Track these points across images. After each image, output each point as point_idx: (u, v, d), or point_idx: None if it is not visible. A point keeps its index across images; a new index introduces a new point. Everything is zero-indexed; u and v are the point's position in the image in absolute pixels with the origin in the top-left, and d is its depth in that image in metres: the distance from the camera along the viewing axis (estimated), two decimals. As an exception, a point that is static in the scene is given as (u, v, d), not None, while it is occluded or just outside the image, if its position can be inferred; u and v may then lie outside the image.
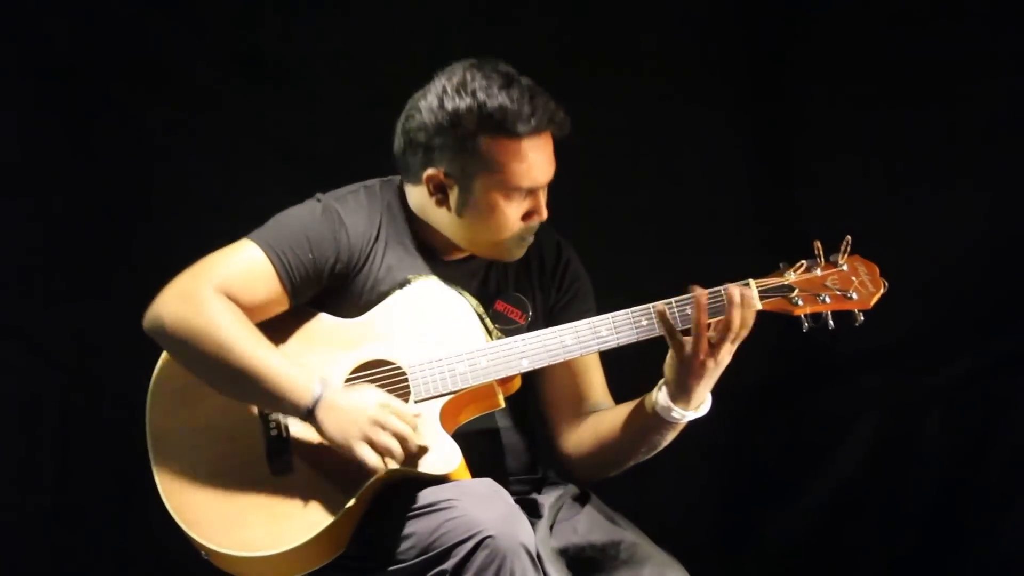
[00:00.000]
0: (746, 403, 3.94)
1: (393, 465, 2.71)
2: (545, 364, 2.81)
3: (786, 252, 3.78)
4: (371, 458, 2.69)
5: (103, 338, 3.86)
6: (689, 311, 2.71)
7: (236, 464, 2.77)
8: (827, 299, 2.78)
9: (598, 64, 3.95)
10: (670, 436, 2.82)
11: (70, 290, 3.91)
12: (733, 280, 2.76)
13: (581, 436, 2.93)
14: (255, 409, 2.80)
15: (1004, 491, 3.94)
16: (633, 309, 2.78)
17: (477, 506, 2.63)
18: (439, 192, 2.87)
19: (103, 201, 3.90)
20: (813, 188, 3.98)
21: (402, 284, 2.88)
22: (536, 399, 2.99)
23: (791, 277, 2.79)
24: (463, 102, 2.79)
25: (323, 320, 2.86)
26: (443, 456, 2.74)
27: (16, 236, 3.88)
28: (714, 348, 2.68)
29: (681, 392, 2.73)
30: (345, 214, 2.88)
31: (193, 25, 3.92)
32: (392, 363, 2.81)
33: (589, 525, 2.89)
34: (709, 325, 2.68)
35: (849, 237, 2.78)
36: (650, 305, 2.76)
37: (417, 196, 2.92)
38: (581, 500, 2.97)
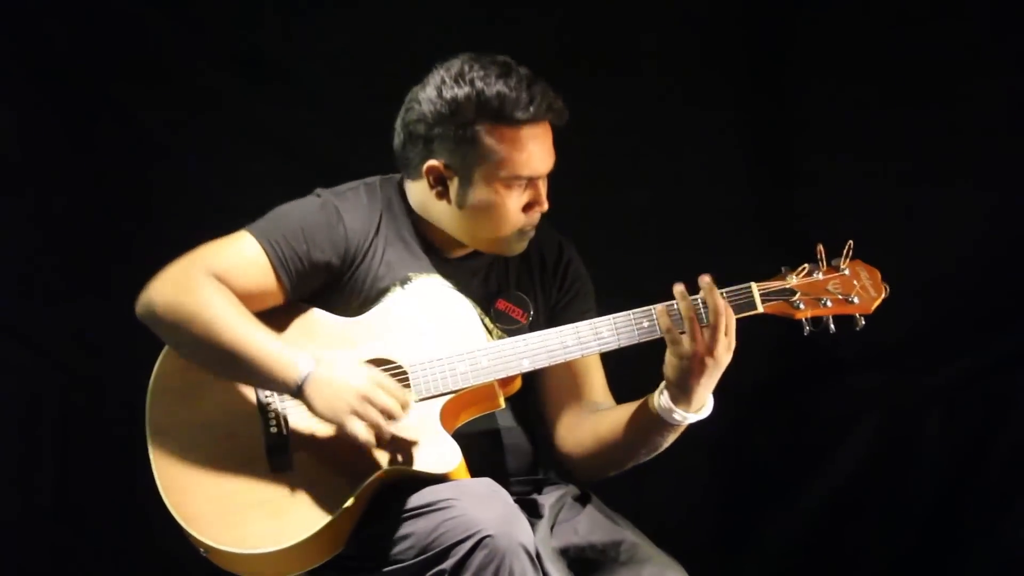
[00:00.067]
0: (746, 403, 3.94)
1: (387, 464, 2.72)
2: (546, 364, 2.81)
3: (786, 252, 3.78)
4: (361, 432, 2.69)
5: (103, 338, 3.86)
6: (692, 311, 2.71)
7: (235, 461, 2.77)
8: (828, 303, 2.78)
9: (598, 64, 3.95)
10: (671, 438, 2.82)
11: (70, 290, 3.91)
12: (734, 280, 2.77)
13: (581, 436, 2.93)
14: (255, 406, 2.80)
15: (1004, 491, 3.95)
16: (634, 311, 2.78)
17: (476, 506, 2.64)
18: (439, 184, 2.87)
19: (103, 201, 3.90)
20: (813, 188, 3.98)
21: (403, 281, 2.89)
22: (537, 399, 2.99)
23: (793, 281, 2.79)
24: (461, 91, 2.79)
25: (324, 318, 2.86)
26: (442, 455, 2.74)
27: (16, 236, 3.88)
28: (711, 344, 2.68)
29: (682, 393, 2.72)
30: (343, 209, 2.89)
31: (193, 25, 3.93)
32: (393, 362, 2.81)
33: (590, 526, 2.89)
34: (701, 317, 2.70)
35: (851, 242, 2.78)
36: (651, 307, 2.76)
37: (417, 192, 2.92)
38: (582, 501, 2.97)
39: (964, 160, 3.89)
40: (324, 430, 2.78)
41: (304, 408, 2.76)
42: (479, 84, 2.79)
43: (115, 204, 3.89)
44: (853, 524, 4.04)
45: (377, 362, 2.81)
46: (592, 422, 2.92)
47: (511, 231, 2.88)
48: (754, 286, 2.77)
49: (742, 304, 2.75)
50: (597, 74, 3.94)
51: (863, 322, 2.79)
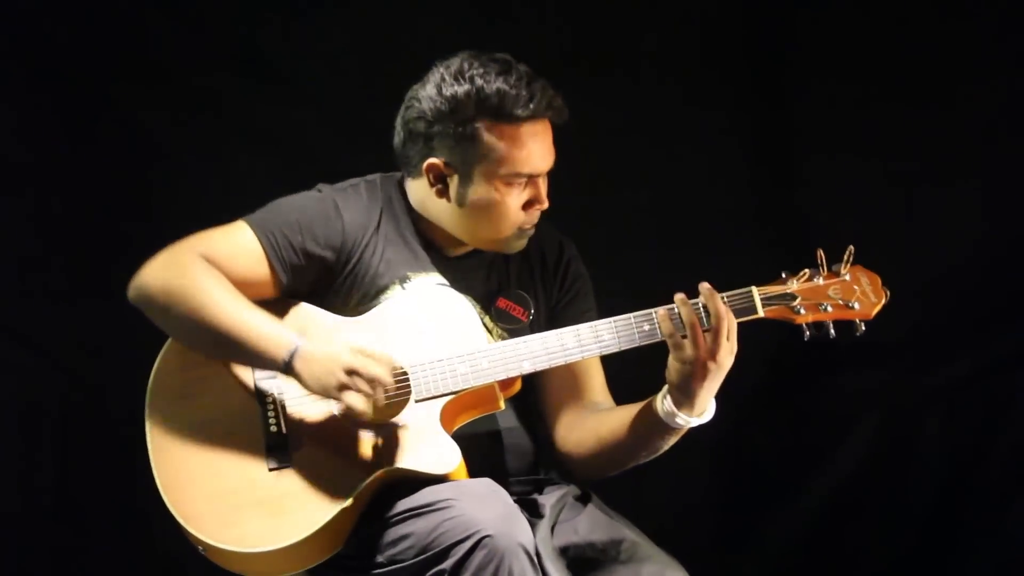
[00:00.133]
0: (746, 403, 3.94)
1: (387, 465, 2.73)
2: (546, 366, 2.81)
3: (786, 252, 3.79)
4: (356, 404, 2.70)
5: (103, 338, 3.86)
6: (694, 315, 2.72)
7: (235, 460, 2.77)
8: (829, 308, 2.79)
9: (598, 64, 3.95)
10: (671, 441, 2.82)
11: (70, 290, 3.91)
12: (734, 280, 2.77)
13: (582, 436, 2.93)
14: (255, 405, 2.80)
15: (1004, 491, 3.94)
16: (635, 314, 2.78)
17: (475, 506, 2.64)
18: (439, 182, 2.88)
19: (103, 201, 3.90)
20: (813, 188, 3.98)
21: (402, 280, 2.89)
22: (537, 399, 2.99)
23: (794, 286, 2.80)
24: (461, 88, 2.80)
25: (324, 317, 2.87)
26: (442, 456, 2.74)
27: (16, 236, 3.88)
28: (713, 348, 2.68)
29: (684, 397, 2.72)
30: (342, 204, 2.89)
31: (193, 25, 3.92)
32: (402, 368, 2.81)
33: (590, 525, 2.89)
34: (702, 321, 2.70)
35: (852, 247, 2.78)
36: (652, 310, 2.77)
37: (417, 190, 2.92)
38: (582, 500, 2.98)
39: (964, 160, 3.89)
40: (324, 429, 2.79)
41: (302, 405, 2.78)
42: (479, 81, 2.79)
43: (115, 204, 3.89)
44: (853, 524, 4.04)
45: (378, 362, 2.81)
46: (593, 423, 2.92)
47: (511, 229, 2.88)
48: (755, 290, 2.78)
49: (743, 308, 2.75)
50: (597, 74, 3.94)
51: (863, 327, 2.79)
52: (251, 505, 2.73)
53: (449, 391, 2.78)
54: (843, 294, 2.80)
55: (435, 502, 2.67)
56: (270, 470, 2.76)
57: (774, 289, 2.79)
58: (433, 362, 2.79)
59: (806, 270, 2.80)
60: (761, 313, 2.77)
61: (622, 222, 3.98)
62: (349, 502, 2.71)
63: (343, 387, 2.70)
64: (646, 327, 2.77)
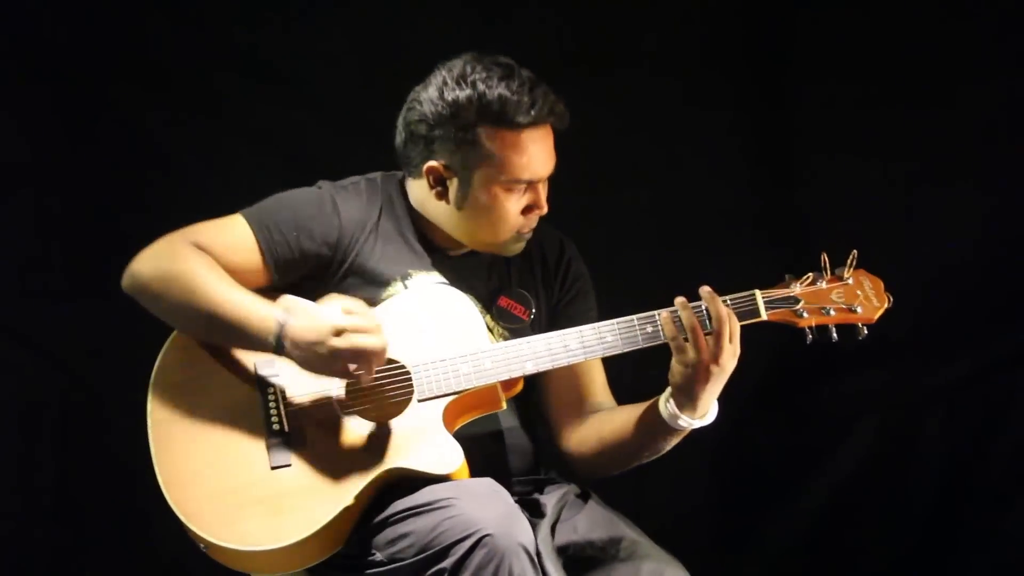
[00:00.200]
0: (746, 403, 3.94)
1: (389, 464, 2.73)
2: (549, 367, 2.81)
3: (786, 252, 3.79)
4: (353, 378, 2.71)
5: (103, 338, 3.86)
6: (696, 318, 2.72)
7: (237, 458, 2.77)
8: (832, 312, 2.79)
9: (598, 64, 3.95)
10: (674, 442, 2.83)
11: (70, 290, 3.91)
12: (735, 280, 2.77)
13: (584, 436, 2.93)
14: (257, 403, 2.80)
15: (1004, 491, 3.94)
16: (638, 316, 2.78)
17: (476, 505, 2.64)
18: (439, 185, 2.88)
19: (103, 201, 3.90)
20: (813, 188, 3.98)
21: (404, 277, 2.89)
22: (539, 399, 3.00)
23: (797, 289, 2.80)
24: (463, 93, 2.80)
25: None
26: (444, 456, 2.74)
27: (16, 236, 3.88)
28: (715, 352, 2.69)
29: (687, 400, 2.73)
30: (341, 201, 2.90)
31: (193, 25, 3.92)
32: (396, 361, 2.81)
33: (589, 524, 2.89)
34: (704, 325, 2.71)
35: (855, 251, 2.78)
36: (655, 312, 2.77)
37: (418, 190, 2.93)
38: (582, 499, 2.98)
39: (964, 160, 3.89)
40: (326, 428, 2.79)
41: (304, 404, 2.79)
42: (481, 86, 2.79)
43: (115, 204, 3.89)
44: (853, 524, 4.04)
45: (380, 362, 2.82)
46: (596, 423, 2.93)
47: (509, 233, 2.88)
48: (758, 294, 2.78)
49: (746, 312, 2.76)
50: (597, 74, 3.94)
51: (866, 331, 2.80)
52: (253, 503, 2.73)
53: (452, 391, 2.78)
54: (846, 298, 2.80)
55: (435, 501, 2.67)
56: (272, 468, 2.76)
57: (777, 292, 2.79)
58: (436, 362, 2.80)
59: (809, 273, 2.81)
60: (764, 316, 2.77)
61: (622, 222, 3.98)
62: (351, 501, 2.71)
63: (334, 371, 2.70)
64: (649, 329, 2.77)
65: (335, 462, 2.75)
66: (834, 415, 4.02)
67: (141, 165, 3.92)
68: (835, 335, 2.79)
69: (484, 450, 2.85)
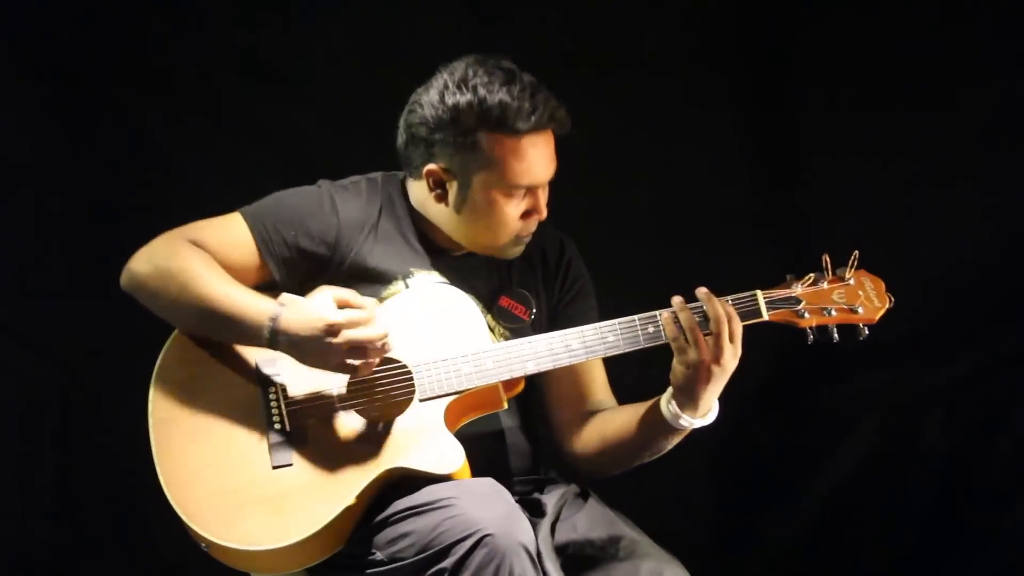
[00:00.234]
0: (746, 403, 3.94)
1: (391, 464, 2.73)
2: (550, 367, 2.82)
3: (786, 252, 3.79)
4: (352, 372, 2.72)
5: (103, 338, 3.86)
6: (697, 317, 2.73)
7: (238, 457, 2.77)
8: (833, 313, 2.80)
9: (599, 64, 3.95)
10: (675, 441, 2.84)
11: (70, 290, 3.91)
12: (736, 281, 2.77)
13: (586, 436, 2.94)
14: (259, 402, 2.80)
15: (1004, 491, 3.94)
16: (640, 316, 2.79)
17: (476, 505, 2.64)
18: (438, 188, 2.88)
19: (103, 200, 3.90)
20: (813, 188, 3.98)
21: (406, 276, 2.89)
22: (540, 399, 3.00)
23: (798, 290, 2.81)
24: (464, 97, 2.79)
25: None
26: (446, 456, 2.74)
27: (16, 235, 3.88)
28: (716, 352, 2.69)
29: (688, 399, 2.74)
30: (340, 200, 2.90)
31: (193, 25, 3.92)
32: (397, 361, 2.81)
33: (589, 523, 2.90)
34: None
35: (857, 252, 2.78)
36: (656, 312, 2.77)
37: (418, 191, 2.93)
38: (582, 499, 2.98)
39: (964, 160, 3.89)
40: (327, 428, 2.79)
41: (305, 404, 2.79)
42: (481, 91, 2.79)
43: (115, 204, 3.89)
44: (853, 524, 4.04)
45: (381, 361, 2.81)
46: (597, 423, 2.93)
47: (508, 237, 2.89)
48: (760, 294, 2.79)
49: (748, 312, 2.76)
50: (597, 74, 3.94)
51: (867, 332, 2.80)
52: (254, 503, 2.73)
53: (453, 391, 2.79)
54: (847, 299, 2.80)
55: (436, 500, 2.67)
56: (273, 468, 2.76)
57: (778, 293, 2.80)
58: (437, 361, 2.80)
59: (811, 274, 2.81)
60: (766, 317, 2.78)
61: (622, 222, 3.98)
62: (352, 501, 2.71)
63: (330, 347, 2.70)
64: (650, 329, 2.77)
65: (336, 461, 2.75)
66: (834, 415, 4.02)
67: (141, 165, 3.92)
68: (836, 336, 2.79)
69: (485, 450, 2.85)
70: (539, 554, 2.70)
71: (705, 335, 2.71)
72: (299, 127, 3.96)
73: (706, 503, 4.11)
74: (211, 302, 2.76)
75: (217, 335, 2.83)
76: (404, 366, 2.80)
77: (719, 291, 2.75)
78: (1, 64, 3.84)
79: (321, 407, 2.81)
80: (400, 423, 2.77)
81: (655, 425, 2.80)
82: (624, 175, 3.98)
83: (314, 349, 2.71)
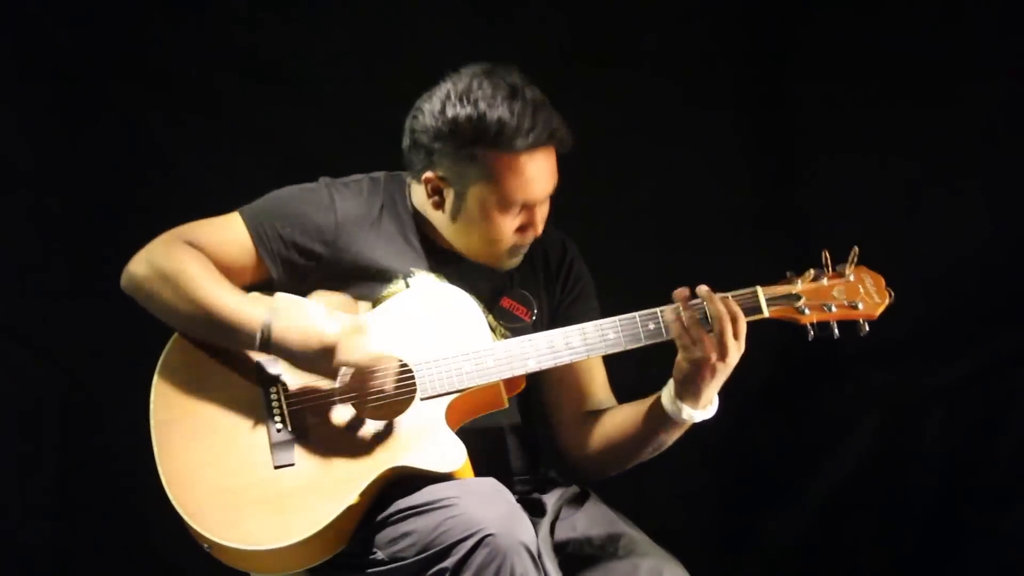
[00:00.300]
0: (747, 403, 3.94)
1: (392, 463, 2.73)
2: (551, 365, 2.82)
3: (786, 252, 3.79)
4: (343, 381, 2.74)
5: (103, 338, 3.86)
6: (698, 314, 2.73)
7: (240, 457, 2.77)
8: (833, 308, 2.80)
9: (599, 64, 3.95)
10: (676, 435, 2.84)
11: (70, 290, 3.91)
12: (736, 280, 2.77)
13: (586, 435, 2.94)
14: (260, 402, 2.81)
15: (1004, 491, 3.94)
16: (640, 313, 2.79)
17: (478, 504, 2.63)
18: (436, 195, 2.89)
19: (103, 200, 3.90)
20: (813, 188, 3.98)
21: (407, 275, 2.89)
22: (540, 398, 3.00)
23: (798, 286, 2.81)
24: (463, 110, 2.79)
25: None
26: (447, 454, 2.74)
27: (16, 236, 3.88)
28: (720, 350, 2.70)
29: (689, 393, 2.75)
30: (339, 198, 2.91)
31: (193, 25, 3.92)
32: (399, 360, 2.81)
33: (588, 522, 2.90)
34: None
35: (856, 248, 2.79)
36: (657, 310, 2.77)
37: (418, 194, 2.94)
38: (582, 499, 2.98)
39: (965, 160, 3.89)
40: (329, 427, 2.79)
41: (306, 403, 2.79)
42: (482, 106, 2.79)
43: (115, 203, 3.89)
44: (853, 524, 4.04)
45: (382, 360, 2.80)
46: (597, 421, 2.93)
47: (501, 249, 2.89)
48: (760, 290, 2.79)
49: (748, 308, 2.77)
50: (597, 74, 3.94)
51: (867, 328, 2.80)
52: (256, 503, 2.73)
53: (454, 389, 2.78)
54: (847, 294, 2.80)
55: (437, 500, 2.67)
56: (275, 467, 2.76)
57: (779, 289, 2.80)
58: (438, 360, 2.80)
59: (811, 270, 2.81)
60: (766, 313, 2.78)
61: (622, 222, 3.98)
62: (354, 500, 2.71)
63: (324, 365, 2.73)
64: (651, 326, 2.78)
65: (338, 461, 2.75)
66: (834, 415, 4.02)
67: (141, 165, 3.92)
68: (836, 332, 2.80)
69: (485, 449, 2.84)
70: (539, 553, 2.69)
71: (707, 332, 2.71)
72: (299, 127, 3.96)
73: (706, 502, 4.11)
74: (204, 308, 2.78)
75: (212, 340, 2.83)
76: (405, 365, 2.80)
77: (721, 290, 2.75)
78: (1, 64, 3.84)
79: (322, 406, 2.81)
80: (402, 422, 2.77)
81: (656, 419, 2.80)
82: (624, 175, 3.98)
83: (306, 362, 2.74)
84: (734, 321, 2.71)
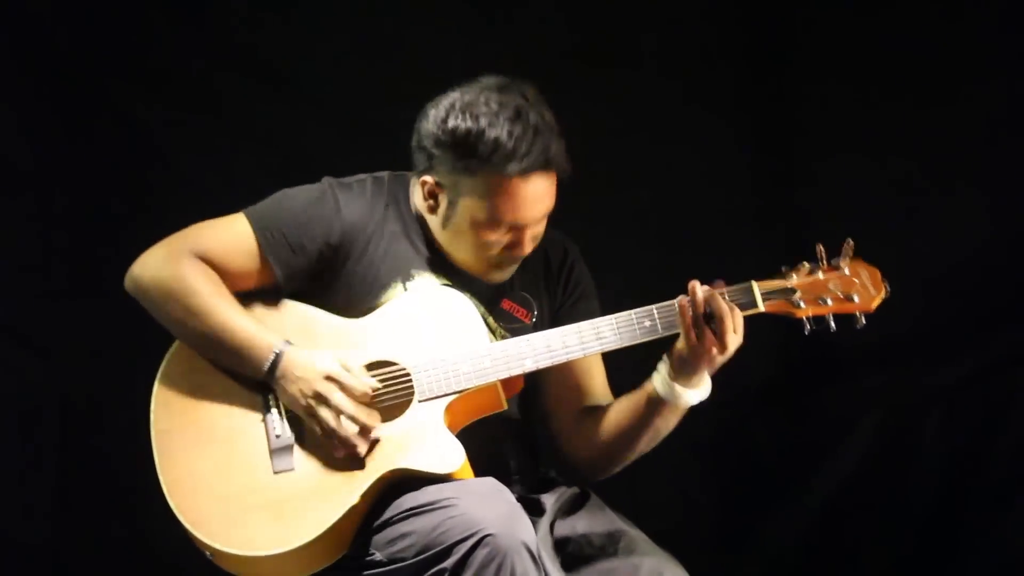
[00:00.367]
0: (747, 402, 3.94)
1: (392, 465, 2.73)
2: (548, 364, 2.82)
3: (786, 251, 3.78)
4: (325, 419, 2.74)
5: (103, 338, 3.86)
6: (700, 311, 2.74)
7: (240, 464, 2.77)
8: (829, 301, 2.80)
9: (599, 64, 3.95)
10: (672, 420, 2.84)
11: (70, 290, 3.91)
12: (734, 279, 2.78)
13: (584, 433, 2.94)
14: (259, 408, 2.81)
15: (1004, 491, 3.94)
16: (636, 310, 2.80)
17: (478, 504, 2.63)
18: (431, 198, 2.89)
19: (103, 200, 3.90)
20: (814, 188, 3.98)
21: (406, 277, 2.89)
22: (539, 398, 3.00)
23: (793, 280, 2.81)
24: (464, 123, 2.79)
25: (327, 320, 2.87)
26: (446, 456, 2.74)
27: (16, 236, 3.88)
28: (721, 343, 2.72)
29: (685, 375, 2.77)
30: (343, 199, 2.90)
31: (193, 25, 3.92)
32: (395, 363, 2.81)
33: (588, 521, 2.90)
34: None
35: (851, 240, 2.79)
36: (652, 307, 2.78)
37: (418, 194, 2.93)
38: (581, 498, 2.98)
39: (965, 160, 3.89)
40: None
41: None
42: (482, 122, 2.78)
43: (115, 203, 3.89)
44: (853, 524, 4.04)
45: (380, 364, 2.81)
46: (594, 418, 2.93)
47: (484, 264, 2.89)
48: (755, 285, 2.79)
49: (743, 303, 2.77)
50: (597, 74, 3.94)
51: (864, 321, 2.80)
52: (257, 509, 2.74)
53: (452, 391, 2.79)
54: (843, 287, 2.80)
55: (437, 500, 2.67)
56: (275, 473, 2.76)
57: (774, 284, 2.81)
58: (436, 361, 2.80)
59: (805, 264, 2.81)
60: (761, 307, 2.78)
61: (622, 222, 3.98)
62: (355, 502, 2.71)
63: (311, 416, 2.75)
64: (647, 323, 2.78)
65: (337, 465, 2.75)
66: (834, 414, 4.02)
67: (141, 165, 3.92)
68: (833, 325, 2.79)
69: (485, 449, 2.84)
70: (539, 553, 2.69)
71: (709, 327, 2.73)
72: (299, 127, 3.96)
73: (706, 502, 4.11)
74: (216, 333, 2.79)
75: (219, 362, 2.84)
76: (403, 368, 2.80)
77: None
78: (1, 64, 3.84)
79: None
80: (400, 424, 2.77)
81: (650, 405, 2.82)
82: (624, 175, 3.98)
83: (298, 410, 2.76)
84: (732, 317, 2.72)
